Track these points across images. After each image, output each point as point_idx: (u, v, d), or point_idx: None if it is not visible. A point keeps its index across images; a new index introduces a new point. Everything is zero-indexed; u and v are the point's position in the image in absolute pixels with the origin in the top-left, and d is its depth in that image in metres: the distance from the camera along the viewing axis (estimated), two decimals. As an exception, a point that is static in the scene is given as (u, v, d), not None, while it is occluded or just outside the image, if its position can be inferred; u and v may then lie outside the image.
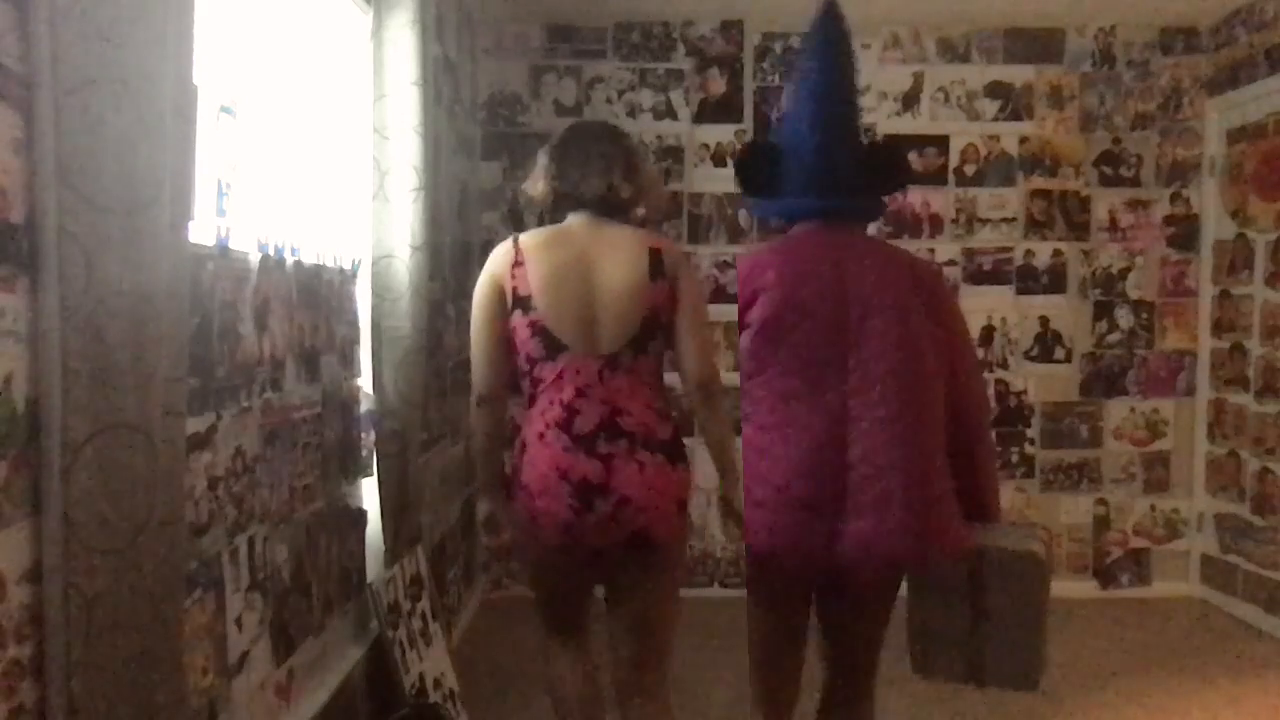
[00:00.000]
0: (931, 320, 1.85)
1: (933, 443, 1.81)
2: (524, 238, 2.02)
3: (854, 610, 1.96)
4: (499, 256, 2.01)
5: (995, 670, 2.00)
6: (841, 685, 2.04)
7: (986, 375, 4.16)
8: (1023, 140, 4.28)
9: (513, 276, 1.96)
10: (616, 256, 1.98)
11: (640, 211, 2.15)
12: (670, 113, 4.25)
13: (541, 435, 1.93)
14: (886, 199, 2.04)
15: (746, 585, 2.00)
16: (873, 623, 1.97)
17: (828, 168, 1.89)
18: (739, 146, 2.16)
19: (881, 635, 2.01)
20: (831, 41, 1.89)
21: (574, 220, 2.06)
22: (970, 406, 1.92)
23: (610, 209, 2.06)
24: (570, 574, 2.06)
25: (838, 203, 1.93)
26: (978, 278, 4.28)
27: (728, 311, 4.19)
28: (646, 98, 4.25)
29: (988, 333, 4.29)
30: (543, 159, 2.13)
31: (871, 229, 2.02)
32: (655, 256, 2.00)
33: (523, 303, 1.95)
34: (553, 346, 1.94)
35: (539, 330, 1.94)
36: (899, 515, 1.73)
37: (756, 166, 1.98)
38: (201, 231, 1.69)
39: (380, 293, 2.61)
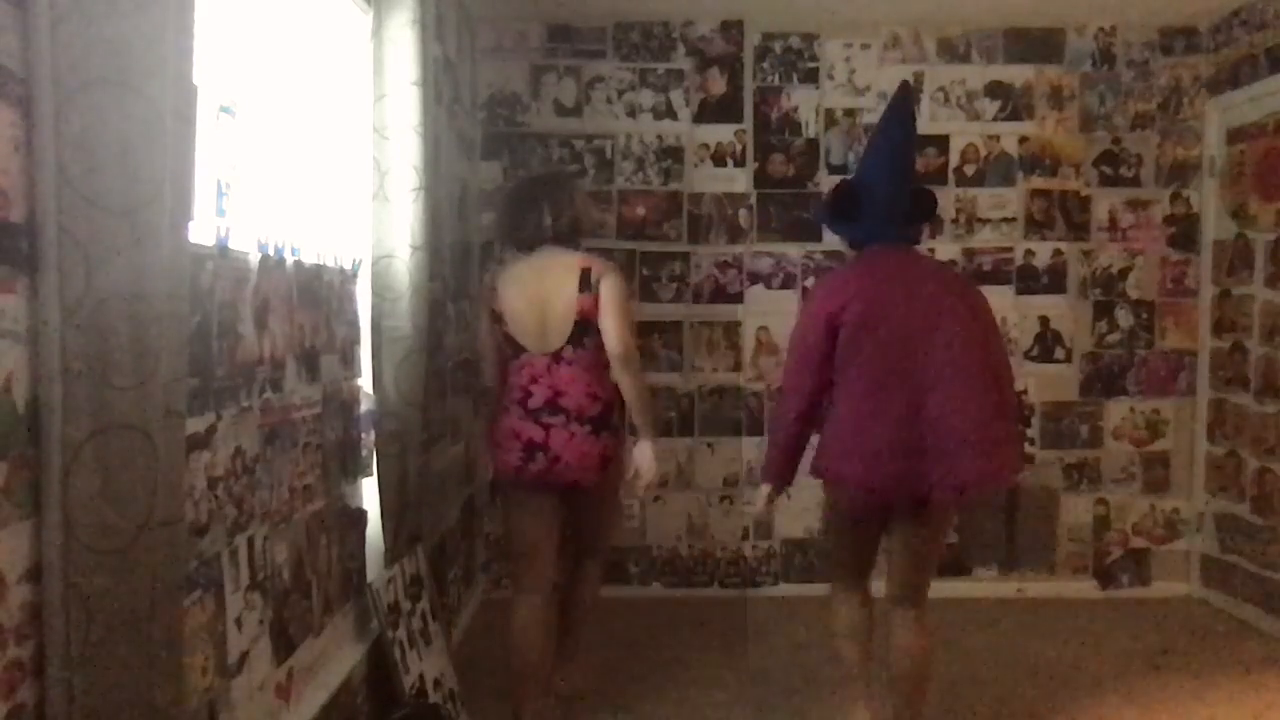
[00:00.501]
0: (973, 317, 2.50)
1: (991, 404, 2.42)
2: (499, 272, 2.82)
3: (922, 529, 2.55)
4: (484, 288, 2.86)
5: (1022, 560, 3.11)
6: (907, 588, 2.63)
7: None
8: (1023, 140, 4.28)
9: (492, 301, 2.75)
10: (558, 277, 2.69)
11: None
12: (670, 113, 4.25)
13: (507, 407, 2.72)
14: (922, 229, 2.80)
15: (836, 515, 2.72)
16: (935, 537, 2.60)
17: (895, 206, 2.59)
18: (834, 185, 2.47)
19: (943, 546, 2.73)
20: (903, 114, 2.62)
21: (535, 252, 2.79)
22: (1005, 383, 2.53)
23: (554, 239, 2.78)
24: (529, 512, 2.77)
25: (899, 231, 2.62)
26: (978, 278, 4.26)
27: (728, 312, 4.24)
28: (646, 98, 4.25)
29: (988, 333, 4.29)
30: (497, 213, 3.16)
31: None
32: (585, 274, 2.68)
33: (499, 319, 2.73)
34: (517, 349, 2.72)
35: (508, 339, 2.73)
36: (970, 458, 2.37)
37: (845, 202, 2.63)
38: (201, 231, 1.69)
39: (380, 293, 2.61)
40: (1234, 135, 4.08)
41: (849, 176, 2.89)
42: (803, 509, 4.31)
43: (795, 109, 4.25)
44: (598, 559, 3.04)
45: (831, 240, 4.22)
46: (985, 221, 4.29)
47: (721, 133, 4.26)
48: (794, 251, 4.26)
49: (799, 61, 4.25)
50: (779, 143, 4.26)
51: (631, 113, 4.24)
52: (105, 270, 1.20)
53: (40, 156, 1.16)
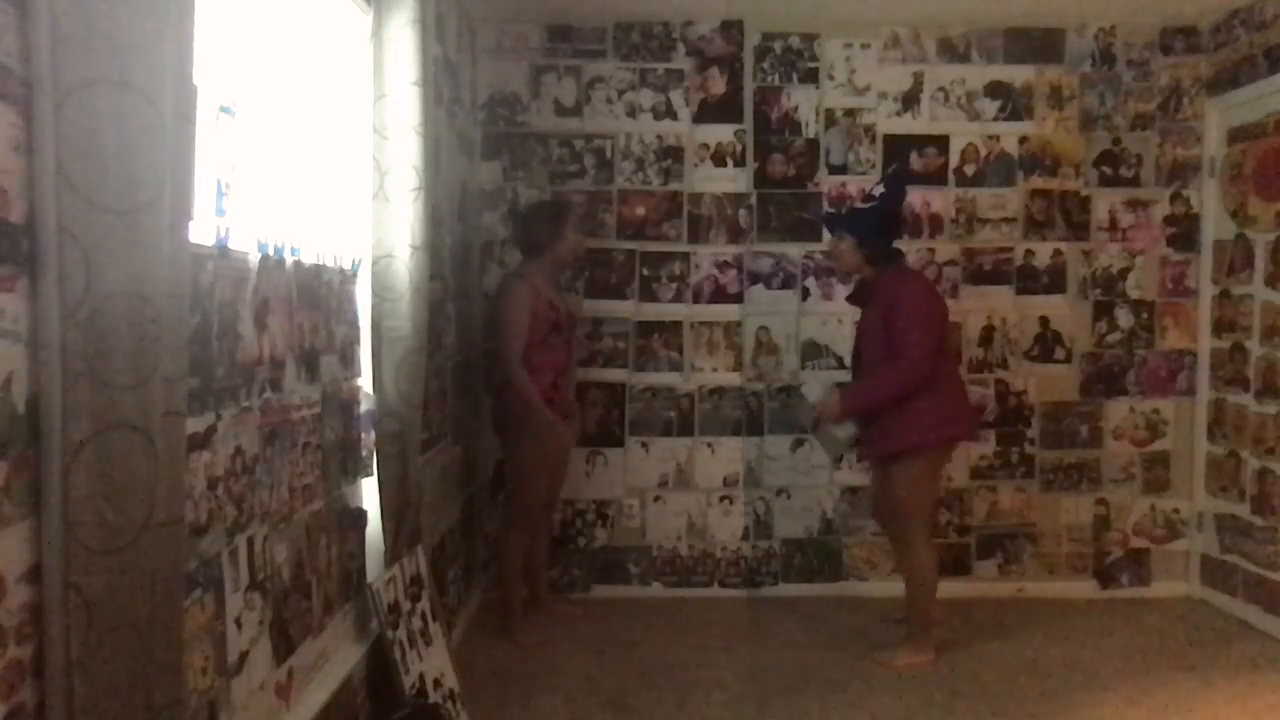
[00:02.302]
0: None
1: None
2: None
3: None
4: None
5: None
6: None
7: (986, 375, 4.31)
8: (1023, 140, 4.27)
9: None
10: None
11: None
12: (670, 113, 4.25)
13: None
14: None
15: (932, 474, 3.47)
16: None
17: (900, 234, 3.75)
18: (887, 213, 3.51)
19: None
20: (906, 181, 3.76)
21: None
22: None
23: (524, 251, 3.78)
24: None
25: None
26: (978, 278, 4.28)
27: (728, 312, 4.23)
28: (646, 98, 4.25)
29: (988, 333, 4.29)
30: None
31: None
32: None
33: None
34: None
35: None
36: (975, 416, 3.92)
37: (887, 225, 3.53)
38: (201, 231, 1.69)
39: (380, 293, 2.61)
40: (1234, 135, 4.08)
41: (885, 207, 3.51)
42: (803, 509, 4.31)
43: (795, 109, 4.25)
44: (510, 502, 3.79)
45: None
46: (985, 221, 4.29)
47: (721, 133, 4.26)
48: (794, 251, 4.26)
49: (799, 61, 4.25)
50: (779, 143, 4.26)
51: (631, 113, 4.23)
52: (105, 270, 1.20)
53: (40, 156, 1.16)
